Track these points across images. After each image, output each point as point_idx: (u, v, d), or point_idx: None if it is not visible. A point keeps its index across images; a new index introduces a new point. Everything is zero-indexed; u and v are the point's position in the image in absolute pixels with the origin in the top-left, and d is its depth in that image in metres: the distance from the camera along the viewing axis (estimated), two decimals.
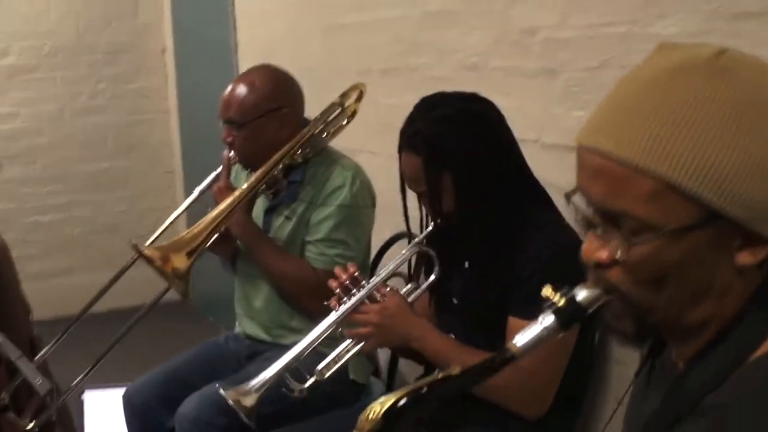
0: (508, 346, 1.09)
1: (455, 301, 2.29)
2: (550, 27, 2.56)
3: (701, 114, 0.96)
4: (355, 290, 2.23)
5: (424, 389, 1.09)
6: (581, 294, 1.07)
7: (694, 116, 0.96)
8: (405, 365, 2.78)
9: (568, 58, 2.50)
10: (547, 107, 2.56)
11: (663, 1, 2.15)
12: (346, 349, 2.23)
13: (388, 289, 2.25)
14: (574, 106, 2.49)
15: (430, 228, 2.24)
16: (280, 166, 2.67)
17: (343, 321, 2.22)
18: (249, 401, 2.10)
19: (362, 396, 2.74)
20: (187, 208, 2.83)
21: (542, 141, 2.54)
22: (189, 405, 2.54)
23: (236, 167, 2.81)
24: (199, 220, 2.54)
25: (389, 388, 2.78)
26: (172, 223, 2.81)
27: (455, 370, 1.08)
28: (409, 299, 2.26)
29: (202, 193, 2.77)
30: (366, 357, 2.65)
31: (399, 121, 3.30)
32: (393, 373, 2.83)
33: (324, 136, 2.78)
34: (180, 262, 2.46)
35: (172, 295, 2.49)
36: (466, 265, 2.27)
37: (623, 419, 1.30)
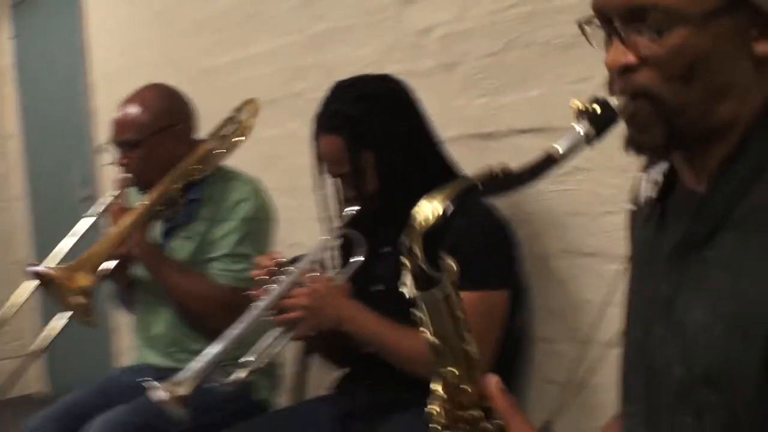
0: (548, 149, 1.03)
1: (380, 287, 2.23)
2: (448, 22, 2.59)
3: None
4: (280, 277, 2.13)
5: (479, 183, 1.01)
6: (612, 101, 1.05)
7: None
8: (313, 378, 2.64)
9: (468, 48, 2.53)
10: (447, 101, 2.57)
11: None
12: (276, 338, 2.12)
13: (315, 274, 2.16)
14: (477, 94, 2.52)
15: (353, 210, 2.20)
16: (178, 184, 2.59)
17: (271, 309, 2.11)
18: (182, 390, 1.94)
19: None
20: (82, 235, 2.71)
21: (447, 135, 2.53)
22: (94, 428, 2.34)
23: (131, 191, 2.70)
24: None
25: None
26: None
27: (501, 171, 1.01)
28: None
29: (101, 215, 2.67)
30: (269, 375, 2.60)
31: (285, 152, 3.30)
32: (302, 388, 2.68)
33: (220, 152, 2.71)
34: (84, 280, 2.37)
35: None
36: (389, 250, 2.22)
37: (629, 283, 1.26)
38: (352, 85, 2.24)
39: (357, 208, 2.19)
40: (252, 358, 2.08)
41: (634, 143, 1.08)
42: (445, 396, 1.11)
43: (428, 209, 1.00)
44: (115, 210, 2.56)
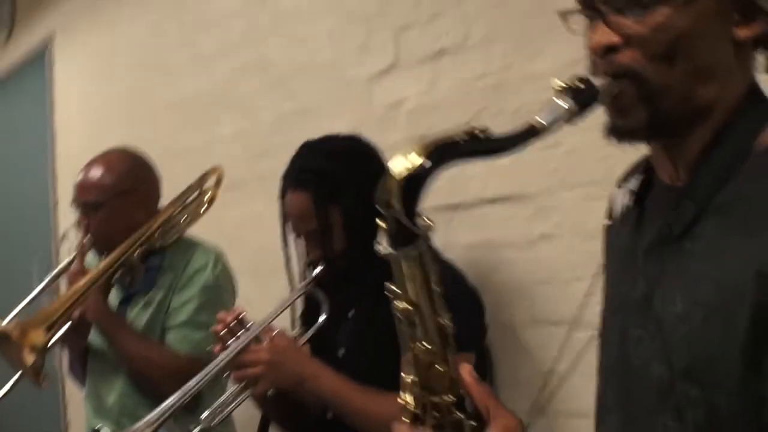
0: (530, 120, 1.01)
1: (341, 352, 2.17)
2: (417, 95, 2.61)
3: None
4: (240, 332, 2.07)
5: (460, 139, 0.98)
6: (596, 81, 1.04)
7: None
8: None
9: (437, 120, 2.55)
10: None
11: (535, 41, 2.25)
12: (234, 395, 2.04)
13: (275, 332, 2.10)
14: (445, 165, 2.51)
15: (318, 269, 2.15)
16: (138, 250, 2.54)
17: (230, 365, 2.03)
18: None
19: None
20: (40, 292, 2.64)
21: None
22: None
23: (91, 257, 2.64)
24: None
25: None
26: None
27: (482, 132, 0.98)
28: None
29: (56, 277, 2.63)
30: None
31: (249, 233, 3.26)
32: None
33: (182, 220, 2.67)
34: (37, 336, 2.29)
35: None
36: (351, 314, 2.19)
37: (604, 293, 1.23)
38: (320, 143, 2.24)
39: (322, 268, 2.15)
40: (207, 414, 2.00)
41: (615, 128, 1.07)
42: (416, 378, 1.05)
43: (403, 162, 0.96)
44: (73, 272, 2.48)
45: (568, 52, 2.17)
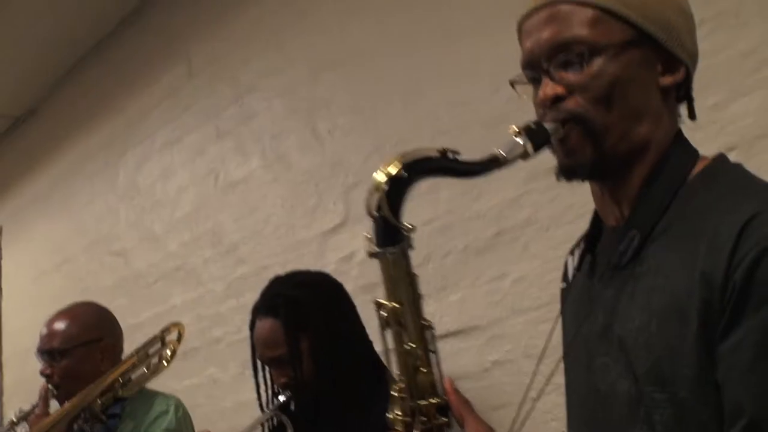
0: (493, 152, 1.16)
1: None
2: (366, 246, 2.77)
3: None
4: None
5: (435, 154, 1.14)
6: (546, 124, 1.19)
7: None
8: None
9: None
10: (367, 321, 2.68)
11: (478, 183, 2.45)
12: None
13: None
14: None
15: (284, 396, 2.22)
16: (99, 398, 2.58)
17: None
18: None
19: None
20: None
21: None
22: None
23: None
24: None
25: None
26: None
27: (452, 153, 1.14)
28: None
29: (20, 420, 2.67)
30: None
31: (203, 399, 3.29)
32: None
33: (144, 373, 2.72)
34: None
35: None
36: None
37: (563, 329, 1.37)
38: (290, 276, 2.34)
39: (289, 394, 2.21)
40: None
41: (564, 168, 1.22)
42: (404, 384, 1.15)
43: (385, 171, 1.12)
44: (38, 415, 2.52)
45: (509, 190, 2.39)
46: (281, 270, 3.06)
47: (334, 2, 3.02)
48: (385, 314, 1.16)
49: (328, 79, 3.01)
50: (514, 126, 1.19)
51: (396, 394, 1.17)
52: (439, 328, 2.48)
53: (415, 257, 2.57)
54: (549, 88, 1.20)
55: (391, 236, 1.13)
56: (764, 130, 1.84)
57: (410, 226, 1.14)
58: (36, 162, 4.84)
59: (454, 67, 2.58)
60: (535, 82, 1.24)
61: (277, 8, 3.26)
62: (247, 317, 3.15)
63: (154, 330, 3.36)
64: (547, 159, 2.30)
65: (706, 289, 1.04)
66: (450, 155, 1.14)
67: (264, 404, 2.28)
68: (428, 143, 2.55)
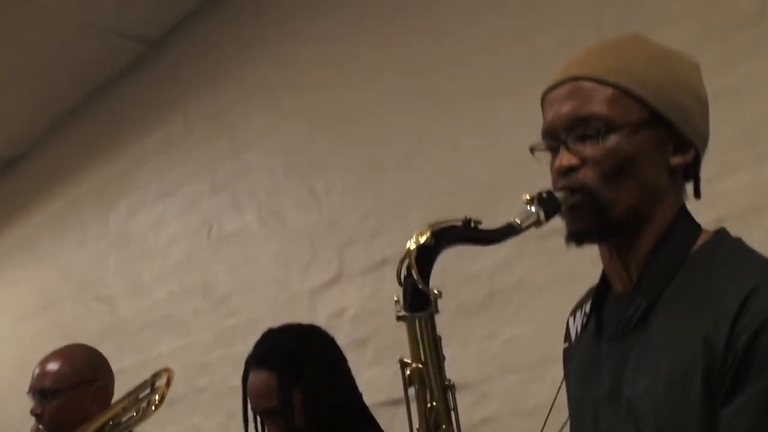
0: (509, 221, 1.24)
1: None
2: (359, 302, 2.85)
3: (640, 47, 1.34)
4: None
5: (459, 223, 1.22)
6: (557, 193, 1.28)
7: (636, 48, 1.34)
8: None
9: (379, 323, 2.76)
10: (358, 374, 2.74)
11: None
12: None
13: None
14: (388, 364, 2.71)
15: None
16: None
17: None
18: None
19: None
20: None
21: None
22: None
23: None
24: None
25: None
26: None
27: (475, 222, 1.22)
28: None
29: None
30: None
31: None
32: None
33: (133, 416, 2.75)
34: None
35: None
36: None
37: (567, 388, 1.43)
38: (285, 329, 2.38)
39: None
40: None
41: (573, 234, 1.30)
42: None
43: (414, 240, 1.19)
44: None
45: (502, 252, 2.48)
46: (272, 323, 3.10)
47: (334, 64, 3.13)
48: (409, 373, 1.22)
49: (327, 138, 3.11)
50: (526, 195, 1.27)
51: None
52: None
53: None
54: (565, 159, 1.28)
55: (419, 301, 1.20)
56: (755, 205, 1.94)
57: (437, 292, 1.21)
58: (25, 205, 4.87)
59: (453, 131, 2.69)
60: (553, 150, 1.33)
61: (277, 66, 3.36)
62: (234, 368, 3.19)
63: (138, 377, 3.39)
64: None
65: (709, 355, 1.12)
66: (472, 224, 1.22)
67: None
68: (426, 205, 2.66)
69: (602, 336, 1.33)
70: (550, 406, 2.02)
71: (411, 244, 1.20)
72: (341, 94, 3.08)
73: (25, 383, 4.13)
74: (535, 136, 1.35)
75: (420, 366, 1.22)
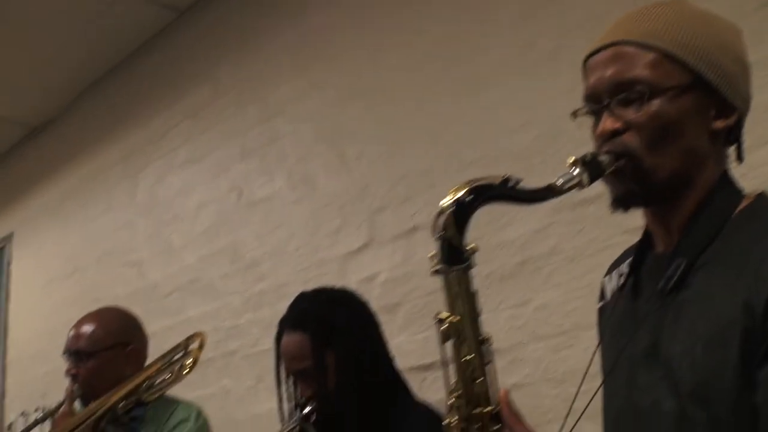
0: (549, 183, 1.26)
1: None
2: (390, 269, 2.87)
3: (683, 11, 1.34)
4: None
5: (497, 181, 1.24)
6: (600, 157, 1.29)
7: (678, 12, 1.34)
8: None
9: (409, 289, 2.80)
10: (390, 339, 2.77)
11: (507, 211, 2.55)
12: None
13: None
14: (418, 330, 2.74)
15: (309, 407, 2.29)
16: (122, 402, 2.64)
17: None
18: None
19: None
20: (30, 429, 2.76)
21: None
22: None
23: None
24: None
25: None
26: None
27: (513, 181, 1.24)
28: None
29: (45, 418, 2.71)
30: None
31: (215, 410, 3.35)
32: None
33: (165, 379, 2.79)
34: None
35: None
36: None
37: (602, 347, 1.45)
38: (318, 292, 2.42)
39: (313, 406, 2.28)
40: None
41: (618, 199, 1.32)
42: (460, 393, 1.24)
43: (451, 197, 1.22)
44: (63, 413, 2.56)
45: (535, 220, 2.50)
46: (301, 288, 3.14)
47: (365, 32, 3.14)
48: (445, 328, 1.25)
49: (357, 106, 3.12)
50: (571, 157, 1.29)
51: (452, 403, 1.25)
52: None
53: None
54: (608, 123, 1.29)
55: (455, 255, 1.22)
56: None
57: (473, 247, 1.23)
58: (52, 170, 4.92)
59: (483, 102, 2.70)
60: (595, 115, 1.34)
61: (308, 36, 3.37)
62: (263, 331, 3.26)
63: (167, 342, 3.44)
64: (573, 193, 2.42)
65: (747, 317, 1.14)
66: (511, 183, 1.23)
67: (285, 416, 2.36)
68: (455, 175, 2.68)
69: (639, 296, 1.35)
70: (583, 372, 2.06)
71: (448, 200, 1.21)
72: (372, 63, 3.10)
73: (52, 348, 4.22)
74: (568, 108, 1.37)
75: (457, 319, 1.24)
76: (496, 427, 1.24)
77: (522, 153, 2.54)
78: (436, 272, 1.26)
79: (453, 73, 2.81)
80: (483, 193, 1.23)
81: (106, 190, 4.44)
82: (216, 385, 3.40)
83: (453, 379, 1.27)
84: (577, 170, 1.26)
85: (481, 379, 1.25)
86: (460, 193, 1.22)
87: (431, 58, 2.89)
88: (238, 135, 3.62)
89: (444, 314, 1.27)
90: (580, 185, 1.26)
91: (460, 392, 1.26)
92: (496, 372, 1.28)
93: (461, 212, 1.21)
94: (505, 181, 1.23)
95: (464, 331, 1.25)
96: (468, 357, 1.25)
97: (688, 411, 1.18)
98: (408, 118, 2.94)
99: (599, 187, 2.36)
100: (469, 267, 1.25)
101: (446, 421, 1.29)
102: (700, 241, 1.26)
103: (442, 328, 1.26)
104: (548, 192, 1.26)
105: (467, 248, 1.23)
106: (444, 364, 1.29)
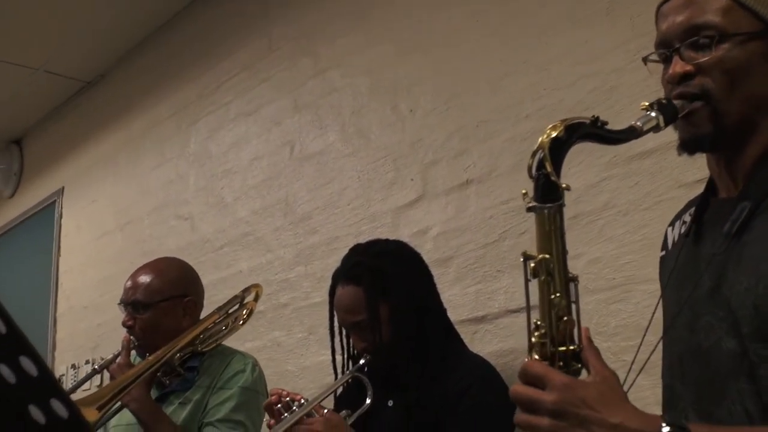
0: (631, 124, 1.29)
1: None
2: (443, 222, 2.89)
3: None
4: (294, 407, 2.22)
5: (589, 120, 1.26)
6: (675, 101, 1.33)
7: None
8: None
9: (462, 242, 2.81)
10: (442, 293, 2.79)
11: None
12: None
13: (326, 410, 2.25)
14: (470, 283, 2.76)
15: (364, 358, 2.33)
16: (179, 353, 2.69)
17: None
18: None
19: None
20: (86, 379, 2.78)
21: None
22: None
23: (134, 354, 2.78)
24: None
25: None
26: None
27: (601, 122, 1.26)
28: None
29: (102, 368, 2.73)
30: None
31: (266, 361, 3.41)
32: None
33: (222, 329, 2.84)
34: (90, 414, 2.37)
35: None
36: (390, 403, 2.34)
37: (664, 294, 1.47)
38: (372, 245, 2.45)
39: (368, 357, 2.32)
40: None
41: (686, 141, 1.36)
42: (546, 330, 1.25)
43: (546, 135, 1.24)
44: (120, 363, 2.60)
45: (589, 175, 2.50)
46: (354, 241, 3.17)
47: None
48: (534, 265, 1.26)
49: (412, 60, 3.12)
50: (645, 102, 1.32)
51: (536, 340, 1.27)
52: (511, 304, 2.62)
53: (490, 234, 2.71)
54: (678, 66, 1.33)
55: (550, 192, 1.24)
56: None
57: (567, 186, 1.24)
58: (104, 125, 4.98)
59: (541, 55, 2.69)
60: (666, 61, 1.37)
61: None
62: (315, 285, 3.29)
63: (220, 294, 3.50)
64: (627, 147, 2.41)
65: None
66: (599, 123, 1.26)
67: (340, 367, 2.40)
68: (511, 129, 2.69)
69: (703, 241, 1.37)
70: (634, 326, 2.08)
71: (544, 137, 1.23)
72: (428, 16, 3.09)
73: (104, 300, 4.30)
74: (623, 62, 1.38)
75: (547, 257, 1.25)
76: (577, 366, 1.26)
77: (577, 107, 2.54)
78: (530, 209, 1.26)
79: (509, 26, 2.80)
80: (577, 130, 1.25)
81: (158, 144, 4.49)
82: (267, 337, 3.45)
83: (536, 318, 1.28)
84: (653, 113, 1.29)
85: (567, 317, 1.26)
86: (556, 131, 1.24)
87: (487, 11, 2.88)
88: (292, 88, 3.64)
89: (532, 252, 1.28)
90: (657, 128, 1.30)
91: (544, 330, 1.26)
92: (580, 311, 1.29)
93: (557, 149, 1.23)
94: (595, 120, 1.26)
95: (553, 270, 1.26)
96: (556, 295, 1.26)
97: (750, 350, 1.21)
98: (463, 71, 2.94)
99: (653, 141, 2.37)
100: (563, 205, 1.26)
101: (528, 358, 1.29)
102: (765, 185, 1.29)
103: (531, 265, 1.27)
104: (630, 133, 1.30)
105: (561, 186, 1.24)
106: (527, 302, 1.30)
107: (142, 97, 4.67)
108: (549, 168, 1.22)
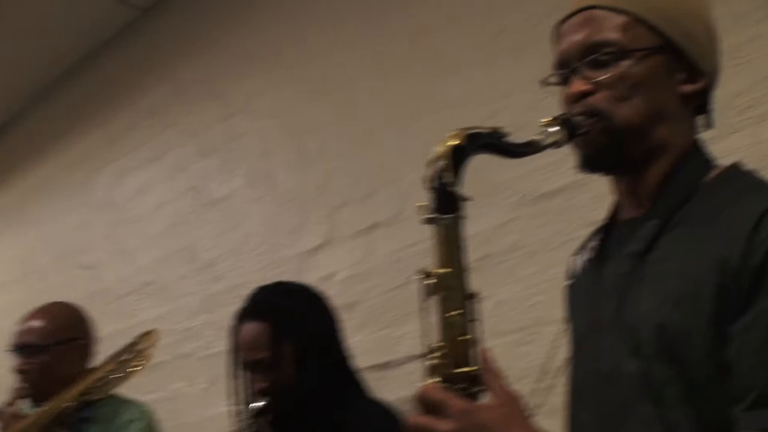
0: (531, 138, 1.24)
1: None
2: (350, 266, 2.82)
3: None
4: None
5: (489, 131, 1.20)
6: (573, 119, 1.27)
7: None
8: None
9: (368, 287, 2.74)
10: (347, 338, 2.71)
11: (468, 206, 2.50)
12: None
13: None
14: (376, 328, 2.68)
15: (263, 401, 2.23)
16: (72, 402, 2.56)
17: None
18: None
19: None
20: None
21: None
22: None
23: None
24: None
25: None
26: None
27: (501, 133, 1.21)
28: None
29: None
30: None
31: (166, 414, 3.26)
32: None
33: (116, 377, 2.71)
34: None
35: None
36: None
37: (572, 322, 1.41)
38: (278, 285, 2.36)
39: (267, 400, 2.22)
40: None
41: (587, 160, 1.30)
42: (443, 350, 1.18)
43: (444, 145, 1.18)
44: (8, 416, 2.46)
45: (497, 215, 2.46)
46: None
47: (328, 29, 3.09)
48: (433, 281, 1.19)
49: (319, 101, 3.08)
50: (544, 118, 1.27)
51: (434, 363, 1.19)
52: (417, 349, 2.53)
53: (396, 279, 2.65)
54: (577, 85, 1.28)
55: (449, 203, 1.18)
56: (753, 166, 1.93)
57: (466, 196, 1.19)
58: (11, 171, 4.82)
59: (447, 95, 2.67)
60: (565, 81, 1.32)
61: (267, 32, 3.33)
62: (218, 333, 3.16)
63: (120, 344, 3.37)
64: (535, 186, 2.38)
65: (721, 273, 1.11)
66: (499, 133, 1.21)
67: (238, 413, 2.29)
68: (419, 170, 2.62)
69: (607, 263, 1.32)
70: (542, 368, 1.99)
71: (442, 147, 1.18)
72: (334, 58, 3.05)
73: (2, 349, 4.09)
74: (534, 99, 1.34)
75: (447, 271, 1.19)
76: (478, 389, 1.17)
77: None
78: (428, 221, 1.20)
79: (416, 66, 2.77)
80: (476, 140, 1.20)
81: (65, 191, 4.35)
82: (168, 388, 3.32)
83: (434, 339, 1.21)
84: (555, 128, 1.24)
85: (467, 336, 1.19)
86: (456, 140, 1.19)
87: (392, 52, 2.85)
88: (198, 133, 3.56)
89: (430, 268, 1.21)
90: (557, 144, 1.25)
91: (443, 351, 1.19)
92: (481, 330, 1.22)
93: (457, 157, 1.18)
94: (495, 130, 1.21)
95: (452, 285, 1.19)
96: (454, 313, 1.19)
97: (653, 371, 1.16)
98: (369, 112, 2.90)
99: (562, 180, 2.34)
100: (462, 216, 1.20)
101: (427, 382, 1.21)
102: (672, 204, 1.25)
103: (428, 281, 1.20)
104: (530, 147, 1.24)
105: (460, 196, 1.19)
106: (423, 324, 1.22)
107: (50, 143, 4.53)
108: (448, 177, 1.16)
